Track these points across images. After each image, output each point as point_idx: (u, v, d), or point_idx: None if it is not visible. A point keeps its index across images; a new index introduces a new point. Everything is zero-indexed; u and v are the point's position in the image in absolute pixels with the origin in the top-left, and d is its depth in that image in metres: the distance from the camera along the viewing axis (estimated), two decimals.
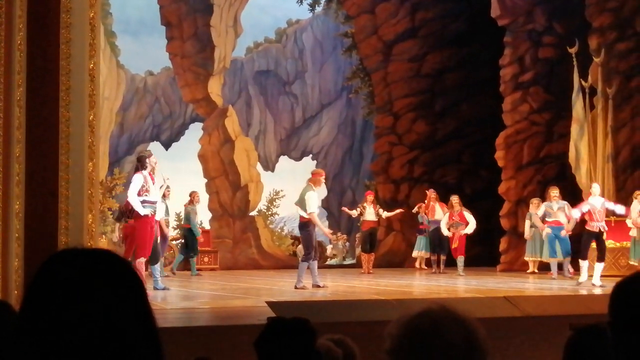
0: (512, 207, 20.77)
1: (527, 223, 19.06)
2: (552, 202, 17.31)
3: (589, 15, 19.60)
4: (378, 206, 19.79)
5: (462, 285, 15.92)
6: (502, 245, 20.91)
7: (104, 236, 19.38)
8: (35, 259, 8.01)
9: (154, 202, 12.73)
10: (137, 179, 12.69)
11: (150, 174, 12.80)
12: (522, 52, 21.35)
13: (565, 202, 17.26)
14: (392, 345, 2.09)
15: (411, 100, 24.04)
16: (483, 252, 21.03)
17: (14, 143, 8.27)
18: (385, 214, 19.69)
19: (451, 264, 18.97)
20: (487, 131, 22.49)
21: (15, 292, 8.16)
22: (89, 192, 8.81)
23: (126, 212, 12.91)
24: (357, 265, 21.58)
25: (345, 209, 20.49)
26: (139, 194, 12.57)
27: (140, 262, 12.39)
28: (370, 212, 19.34)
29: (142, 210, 12.48)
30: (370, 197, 19.71)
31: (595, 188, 16.08)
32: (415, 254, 21.53)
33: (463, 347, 2.04)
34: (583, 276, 15.48)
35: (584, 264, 15.51)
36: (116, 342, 1.61)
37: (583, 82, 18.97)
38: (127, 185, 21.86)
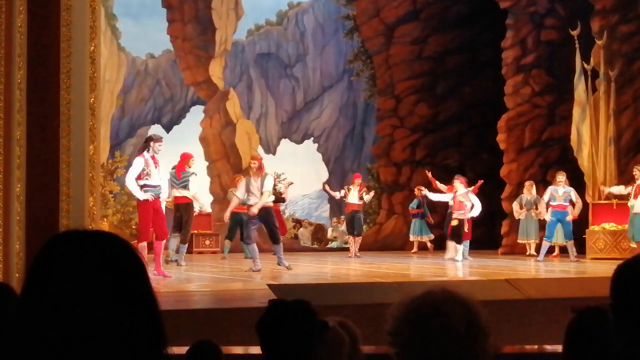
0: (514, 190, 20.75)
1: (516, 205, 19.10)
2: (558, 187, 17.42)
3: None
4: (365, 190, 19.40)
5: (463, 268, 15.94)
6: (504, 228, 20.91)
7: (105, 219, 19.38)
8: (36, 242, 8.02)
9: (155, 186, 12.57)
10: (137, 163, 12.59)
11: (153, 157, 12.67)
12: (524, 34, 21.29)
13: (571, 188, 17.43)
14: (394, 326, 2.10)
15: (413, 82, 24.00)
16: (484, 235, 21.03)
17: (14, 126, 8.27)
18: (367, 197, 19.33)
19: (443, 247, 19.04)
20: (489, 114, 22.47)
21: (17, 274, 8.17)
22: (90, 175, 8.82)
23: None
24: (359, 247, 21.58)
25: (327, 188, 20.36)
26: (139, 178, 12.46)
27: (143, 246, 12.34)
28: (353, 195, 19.03)
29: (141, 195, 12.42)
30: (357, 180, 19.36)
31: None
32: (412, 238, 21.60)
33: (464, 327, 2.06)
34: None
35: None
36: (117, 325, 1.61)
37: (585, 65, 18.94)
38: (128, 168, 21.94)
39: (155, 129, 21.67)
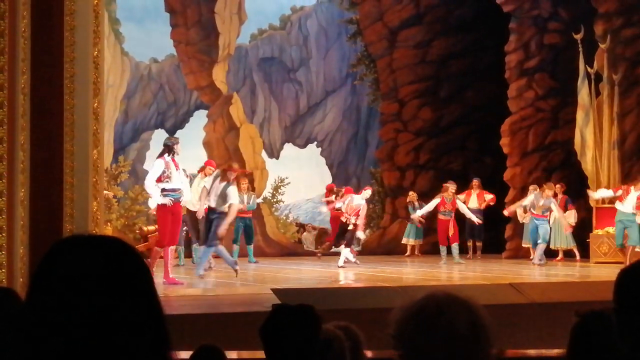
0: (517, 194, 20.73)
1: (520, 209, 19.07)
2: (542, 198, 17.55)
3: (595, 1, 19.54)
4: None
5: (467, 272, 15.93)
6: (507, 232, 20.90)
7: (109, 224, 19.39)
8: (40, 247, 8.02)
9: (175, 190, 12.30)
10: (158, 165, 12.26)
11: (173, 160, 12.39)
12: (527, 38, 21.29)
13: (552, 200, 17.55)
14: (398, 329, 2.10)
15: (416, 86, 24.00)
16: (488, 239, 21.02)
17: (18, 131, 8.28)
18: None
19: (436, 251, 19.05)
20: (492, 118, 22.45)
21: (21, 279, 8.18)
22: (94, 179, 8.83)
23: None
24: (362, 252, 21.59)
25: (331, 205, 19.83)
26: (159, 180, 12.21)
27: (158, 251, 12.18)
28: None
29: (159, 199, 12.19)
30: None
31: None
32: (404, 241, 21.64)
33: (468, 327, 2.07)
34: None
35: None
36: (122, 329, 1.61)
37: (589, 69, 18.94)
38: (131, 172, 21.95)
39: (159, 134, 21.69)
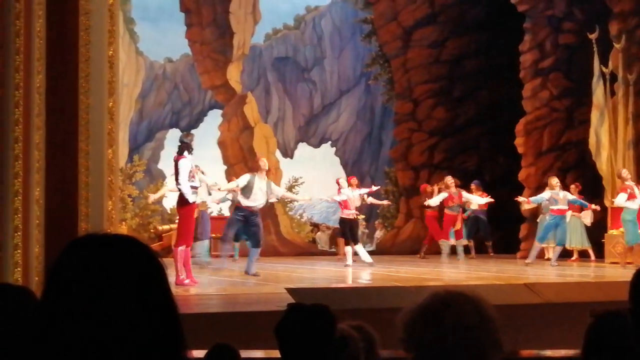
0: (532, 194, 20.65)
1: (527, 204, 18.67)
2: (561, 191, 17.45)
3: (610, 1, 19.47)
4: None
5: (482, 272, 15.90)
6: (522, 232, 20.86)
7: (124, 223, 19.44)
8: (55, 246, 8.04)
9: (197, 188, 12.32)
10: (187, 164, 12.05)
11: None
12: (542, 38, 21.24)
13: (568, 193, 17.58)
14: (408, 330, 2.12)
15: (431, 86, 23.98)
16: (503, 239, 20.99)
17: (33, 130, 8.31)
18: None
19: (437, 250, 19.18)
20: (506, 117, 22.41)
21: (36, 278, 8.21)
22: (109, 178, 8.85)
23: None
24: (376, 251, 21.62)
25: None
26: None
27: (182, 250, 12.11)
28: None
29: (192, 197, 12.22)
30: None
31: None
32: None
33: (476, 317, 2.10)
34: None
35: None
36: (137, 328, 1.61)
37: (603, 69, 18.87)
38: (146, 172, 22.01)
39: (174, 133, 21.74)
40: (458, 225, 18.73)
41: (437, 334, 2.08)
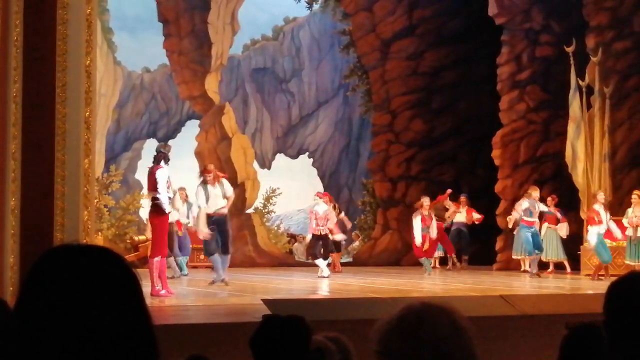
0: (509, 206, 20.73)
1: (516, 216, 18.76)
2: (537, 202, 17.70)
3: (587, 14, 19.60)
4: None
5: (458, 284, 15.93)
6: (498, 244, 20.90)
7: (100, 233, 19.35)
8: (30, 256, 8.00)
9: (171, 199, 12.46)
10: (163, 174, 12.07)
11: None
12: (519, 50, 21.34)
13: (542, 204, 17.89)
14: (384, 344, 2.12)
15: (409, 98, 24.02)
16: (479, 251, 21.04)
17: (9, 139, 8.27)
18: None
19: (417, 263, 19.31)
20: (484, 129, 22.48)
21: (11, 288, 8.16)
22: (85, 188, 8.82)
23: None
24: (353, 263, 21.65)
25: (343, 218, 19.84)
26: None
27: (158, 261, 12.07)
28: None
29: (168, 208, 12.21)
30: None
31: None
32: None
33: (449, 330, 2.11)
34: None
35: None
36: (111, 339, 1.60)
37: (580, 81, 18.98)
38: (123, 182, 21.91)
39: (151, 143, 21.67)
40: (426, 246, 18.71)
41: (412, 347, 2.09)
